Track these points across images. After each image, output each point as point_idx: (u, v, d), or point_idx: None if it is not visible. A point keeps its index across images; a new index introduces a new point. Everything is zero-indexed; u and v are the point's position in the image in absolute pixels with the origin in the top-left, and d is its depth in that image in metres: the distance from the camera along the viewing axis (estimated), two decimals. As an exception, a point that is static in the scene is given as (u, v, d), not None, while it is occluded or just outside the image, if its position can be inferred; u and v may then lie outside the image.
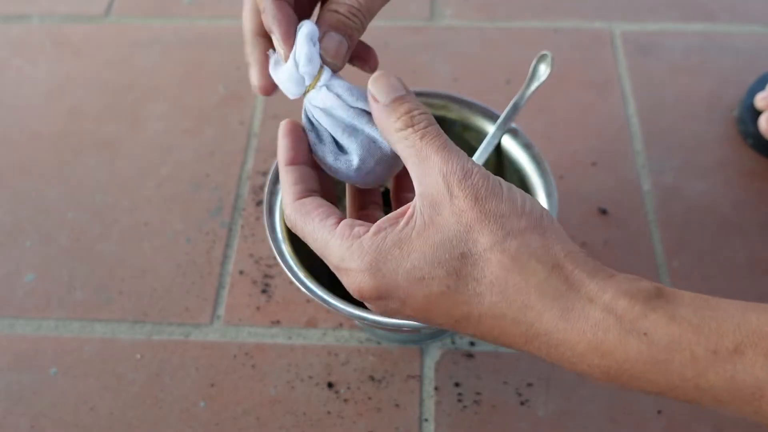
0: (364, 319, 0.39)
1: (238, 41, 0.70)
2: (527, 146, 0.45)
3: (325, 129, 0.34)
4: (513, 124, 0.46)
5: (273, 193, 0.44)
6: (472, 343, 0.50)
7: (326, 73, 0.33)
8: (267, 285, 0.53)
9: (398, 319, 0.32)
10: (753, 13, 0.70)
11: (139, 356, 0.50)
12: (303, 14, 0.36)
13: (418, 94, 0.48)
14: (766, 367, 0.24)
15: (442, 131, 0.31)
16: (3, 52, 0.71)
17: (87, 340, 0.51)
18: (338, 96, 0.33)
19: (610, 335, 0.26)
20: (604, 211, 0.57)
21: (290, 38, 0.33)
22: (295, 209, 0.32)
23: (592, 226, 0.56)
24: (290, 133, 0.34)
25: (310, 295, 0.40)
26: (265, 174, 0.60)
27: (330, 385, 0.49)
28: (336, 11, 0.33)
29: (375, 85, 0.32)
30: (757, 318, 0.26)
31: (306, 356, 0.50)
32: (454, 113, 0.48)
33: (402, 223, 0.29)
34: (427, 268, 0.28)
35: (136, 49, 0.70)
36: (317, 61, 0.33)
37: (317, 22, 0.34)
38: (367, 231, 0.30)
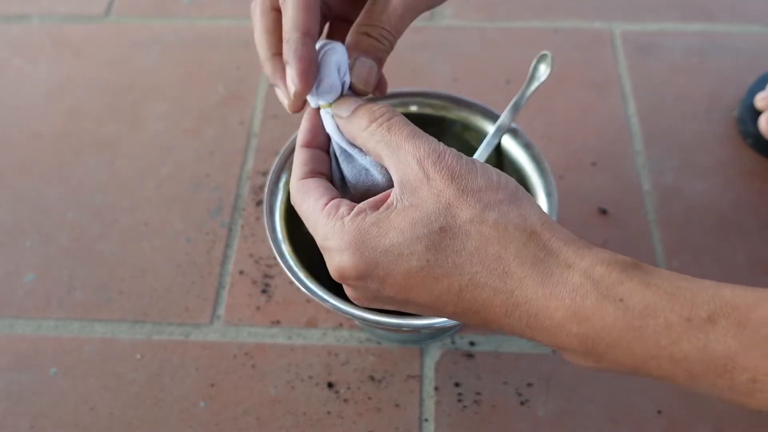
0: (364, 319, 0.39)
1: (238, 41, 0.70)
2: (527, 146, 0.45)
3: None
4: (513, 124, 0.46)
5: (273, 193, 0.44)
6: (472, 343, 0.50)
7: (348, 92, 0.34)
8: (267, 285, 0.53)
9: (378, 304, 0.32)
10: (753, 13, 0.70)
11: (139, 356, 0.50)
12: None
13: (418, 94, 0.48)
14: (737, 336, 0.25)
15: (408, 120, 0.32)
16: (3, 52, 0.71)
17: (87, 340, 0.51)
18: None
19: (587, 301, 0.27)
20: (604, 211, 0.57)
21: (308, 78, 0.32)
22: (297, 188, 0.33)
23: (592, 226, 0.56)
24: (312, 117, 0.34)
25: (310, 295, 0.40)
26: (265, 174, 0.60)
27: (330, 385, 0.49)
28: (367, 34, 0.33)
29: (337, 105, 0.33)
30: (731, 291, 0.26)
31: (306, 356, 0.50)
32: (454, 113, 0.48)
33: (382, 207, 0.30)
34: (406, 244, 0.29)
35: (136, 49, 0.70)
36: (338, 90, 0.33)
37: (347, 44, 0.33)
38: (350, 212, 0.30)
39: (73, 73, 0.69)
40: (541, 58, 0.45)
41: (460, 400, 0.48)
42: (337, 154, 0.34)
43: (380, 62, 0.34)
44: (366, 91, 0.33)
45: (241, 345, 0.51)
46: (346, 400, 0.48)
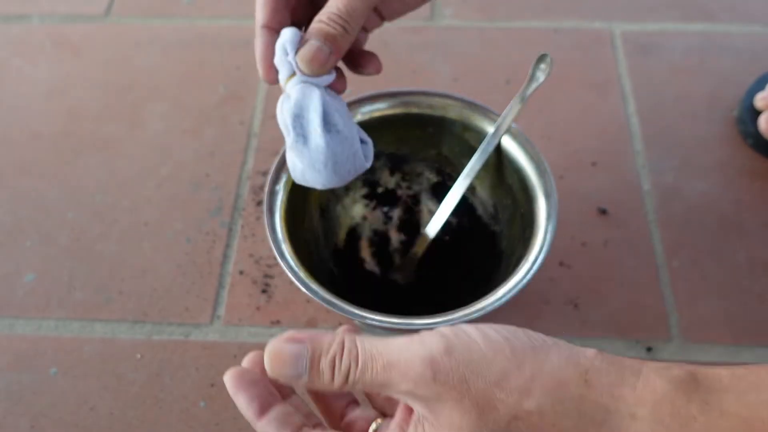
0: (364, 319, 0.39)
1: (238, 41, 0.70)
2: (527, 146, 0.45)
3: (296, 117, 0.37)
4: (513, 124, 0.46)
5: (273, 193, 0.44)
6: (472, 343, 0.50)
7: (299, 75, 0.36)
8: (267, 285, 0.53)
9: None
10: (753, 13, 0.70)
11: (139, 356, 0.50)
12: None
13: (419, 94, 0.48)
14: None
15: (365, 349, 0.29)
16: (3, 52, 0.71)
17: (87, 340, 0.51)
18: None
19: None
20: (604, 211, 0.57)
21: (267, 62, 0.37)
22: None
23: (592, 226, 0.56)
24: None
25: (311, 295, 0.40)
26: (265, 174, 0.60)
27: (330, 385, 0.48)
28: (319, 20, 0.35)
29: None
30: None
31: (306, 356, 0.50)
32: (454, 113, 0.48)
33: None
34: None
35: (136, 49, 0.70)
36: (287, 68, 0.36)
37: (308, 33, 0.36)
38: None
39: (73, 73, 0.69)
40: (541, 58, 0.45)
41: (460, 400, 0.48)
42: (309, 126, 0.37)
43: (334, 44, 0.35)
44: (312, 71, 0.36)
45: (241, 345, 0.50)
46: (346, 400, 0.48)
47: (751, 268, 0.53)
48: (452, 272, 0.51)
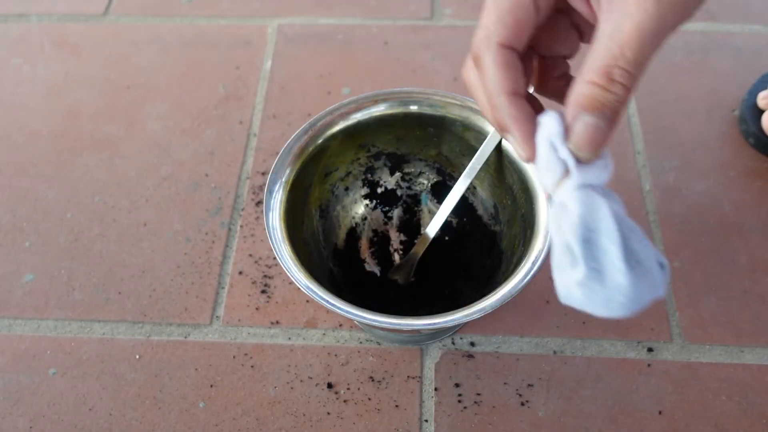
0: (364, 319, 0.39)
1: (238, 41, 0.70)
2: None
3: (573, 234, 0.27)
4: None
5: (272, 193, 0.44)
6: (472, 344, 0.50)
7: (576, 175, 0.27)
8: (266, 285, 0.53)
9: None
10: (754, 13, 0.70)
11: (138, 356, 0.50)
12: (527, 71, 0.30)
13: (418, 94, 0.48)
14: None
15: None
16: (2, 51, 0.71)
17: (86, 340, 0.51)
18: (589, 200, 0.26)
19: None
20: (604, 211, 0.56)
21: (531, 140, 0.27)
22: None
23: (593, 226, 0.56)
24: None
25: (310, 295, 0.40)
26: (264, 174, 0.60)
27: (330, 385, 0.48)
28: (591, 82, 0.25)
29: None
30: None
31: (306, 357, 0.50)
32: (454, 113, 0.48)
33: None
34: None
35: (136, 49, 0.70)
36: (556, 169, 0.27)
37: (567, 100, 0.27)
38: None
39: (72, 72, 0.68)
40: (542, 58, 0.45)
41: (460, 401, 0.48)
42: (582, 242, 0.27)
43: (612, 116, 0.26)
44: (588, 157, 0.26)
45: (240, 345, 0.50)
46: (345, 401, 0.48)
47: (752, 269, 0.53)
48: (452, 272, 0.51)
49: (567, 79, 0.32)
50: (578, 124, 0.25)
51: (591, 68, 0.25)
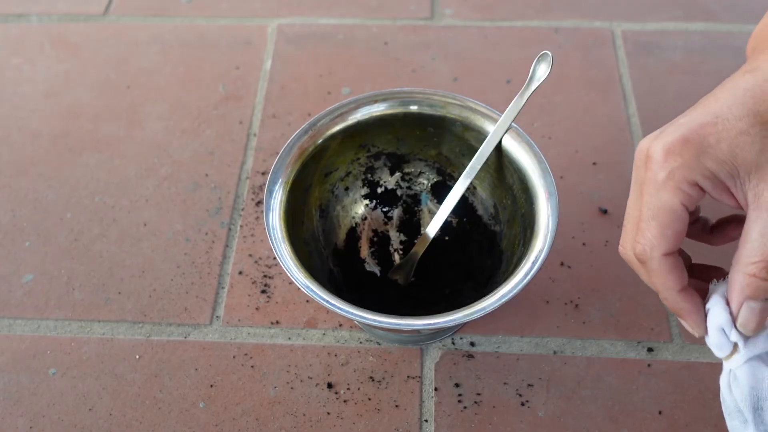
0: (364, 319, 0.39)
1: (238, 41, 0.70)
2: (527, 146, 0.45)
3: (746, 402, 0.32)
4: (513, 124, 0.46)
5: (272, 193, 0.44)
6: (472, 344, 0.50)
7: (744, 351, 0.31)
8: (266, 285, 0.53)
9: None
10: (754, 13, 0.70)
11: (138, 357, 0.50)
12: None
13: (419, 94, 0.48)
14: None
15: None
16: (2, 51, 0.71)
17: (86, 340, 0.51)
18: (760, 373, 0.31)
19: None
20: (604, 211, 0.56)
21: (702, 324, 0.32)
22: None
23: (593, 226, 0.56)
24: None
25: (310, 295, 0.40)
26: (264, 174, 0.60)
27: (330, 385, 0.48)
28: (752, 275, 0.29)
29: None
30: None
31: (306, 357, 0.50)
32: (454, 113, 0.48)
33: None
34: None
35: (136, 49, 0.70)
36: (727, 348, 0.31)
37: (729, 284, 0.31)
38: None
39: (72, 72, 0.68)
40: (542, 58, 0.45)
41: (460, 401, 0.48)
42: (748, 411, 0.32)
43: None
44: (755, 333, 0.31)
45: (240, 345, 0.50)
46: (345, 401, 0.48)
47: (752, 269, 0.53)
48: (452, 272, 0.51)
49: (701, 223, 0.37)
50: (745, 309, 0.30)
51: (749, 262, 0.29)
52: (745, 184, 0.29)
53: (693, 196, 0.31)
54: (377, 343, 0.50)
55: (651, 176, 0.31)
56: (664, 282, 0.32)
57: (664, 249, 0.31)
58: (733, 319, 0.31)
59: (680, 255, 0.34)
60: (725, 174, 0.30)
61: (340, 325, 0.51)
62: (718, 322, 0.31)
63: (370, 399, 0.48)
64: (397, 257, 0.53)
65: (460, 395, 0.48)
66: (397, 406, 0.47)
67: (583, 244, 0.55)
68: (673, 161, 0.30)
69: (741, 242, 0.30)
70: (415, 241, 0.52)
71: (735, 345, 0.31)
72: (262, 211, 0.44)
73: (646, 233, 0.31)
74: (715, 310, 0.31)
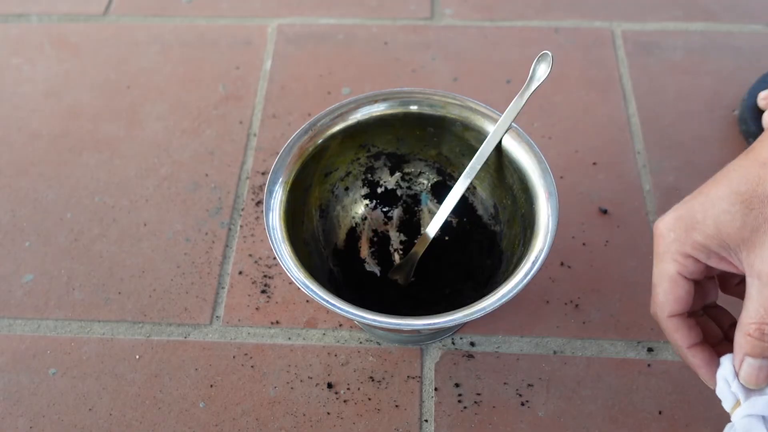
0: (364, 319, 0.39)
1: (238, 41, 0.70)
2: (527, 146, 0.45)
3: None
4: (513, 124, 0.46)
5: (272, 193, 0.44)
6: (472, 344, 0.50)
7: (745, 405, 0.34)
8: (266, 285, 0.53)
9: None
10: (754, 13, 0.70)
11: (138, 357, 0.50)
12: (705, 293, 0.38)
13: (418, 94, 0.48)
14: None
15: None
16: (2, 51, 0.71)
17: (86, 340, 0.51)
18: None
19: None
20: (604, 211, 0.56)
21: (710, 378, 0.35)
22: None
23: (593, 226, 0.56)
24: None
25: (310, 295, 0.40)
26: (264, 174, 0.60)
27: (330, 385, 0.48)
28: (749, 335, 0.33)
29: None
30: None
31: (306, 357, 0.50)
32: (454, 113, 0.48)
33: None
34: None
35: (136, 49, 0.70)
36: (731, 399, 0.34)
37: (735, 343, 0.34)
38: None
39: (72, 72, 0.68)
40: (542, 58, 0.45)
41: (460, 401, 0.48)
42: None
43: None
44: (756, 387, 0.34)
45: (240, 345, 0.50)
46: (345, 401, 0.48)
47: (752, 269, 0.53)
48: (452, 272, 0.51)
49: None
50: (744, 365, 0.33)
51: (748, 324, 0.33)
52: (738, 254, 0.33)
53: (689, 266, 0.34)
54: (377, 343, 0.50)
55: (655, 250, 0.36)
56: (673, 340, 0.36)
57: (668, 312, 0.35)
58: (736, 373, 0.34)
59: (711, 312, 0.38)
60: (716, 246, 0.33)
61: (340, 325, 0.51)
62: (724, 374, 0.34)
63: (370, 399, 0.48)
64: (397, 257, 0.53)
65: (460, 395, 0.48)
66: (397, 406, 0.47)
67: (583, 244, 0.55)
68: (668, 236, 0.35)
69: (743, 306, 0.33)
70: (415, 241, 0.52)
71: (738, 400, 0.34)
72: (262, 211, 0.44)
73: (653, 298, 0.36)
74: (725, 363, 0.35)
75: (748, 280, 0.33)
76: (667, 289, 0.35)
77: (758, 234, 0.32)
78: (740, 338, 0.33)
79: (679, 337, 0.36)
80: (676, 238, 0.35)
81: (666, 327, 0.36)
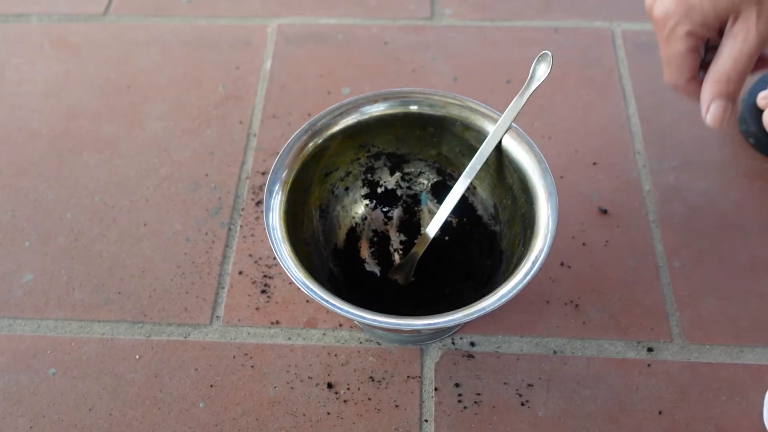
0: (364, 319, 0.39)
1: (238, 41, 0.70)
2: (527, 146, 0.45)
3: None
4: (513, 124, 0.46)
5: (272, 193, 0.44)
6: (472, 344, 0.50)
7: None
8: (266, 285, 0.53)
9: None
10: (754, 13, 0.70)
11: (138, 357, 0.50)
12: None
13: (419, 94, 0.48)
14: None
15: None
16: (2, 51, 0.71)
17: (86, 340, 0.51)
18: None
19: None
20: (604, 211, 0.56)
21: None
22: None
23: (593, 226, 0.56)
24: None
25: (310, 295, 0.40)
26: (264, 174, 0.60)
27: (330, 385, 0.48)
28: (717, 81, 0.41)
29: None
30: None
31: (306, 357, 0.50)
32: (454, 113, 0.48)
33: None
34: None
35: (135, 49, 0.70)
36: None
37: (703, 92, 0.42)
38: None
39: (72, 72, 0.68)
40: (542, 58, 0.45)
41: (460, 401, 0.48)
42: None
43: (733, 99, 0.41)
44: (723, 125, 0.42)
45: (240, 345, 0.50)
46: (345, 401, 0.48)
47: (752, 269, 0.53)
48: (452, 272, 0.51)
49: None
50: (713, 107, 0.41)
51: (717, 72, 0.41)
52: (728, 24, 0.40)
53: (692, 42, 0.41)
54: (377, 343, 0.50)
55: (659, 33, 0.43)
56: (689, 90, 0.44)
57: (686, 77, 0.43)
58: (704, 118, 0.41)
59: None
60: (713, 20, 0.40)
61: (340, 325, 0.51)
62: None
63: (370, 399, 0.48)
64: (397, 257, 0.53)
65: (460, 395, 0.48)
66: (397, 406, 0.47)
67: (583, 244, 0.55)
68: (670, 21, 0.41)
69: (712, 62, 0.41)
70: (415, 241, 0.52)
71: None
72: (262, 211, 0.44)
73: (669, 72, 0.44)
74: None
75: (723, 41, 0.40)
76: (681, 63, 0.42)
77: (744, 4, 0.39)
78: (710, 85, 0.41)
79: (693, 87, 0.43)
80: (679, 21, 0.41)
81: (687, 90, 0.44)
